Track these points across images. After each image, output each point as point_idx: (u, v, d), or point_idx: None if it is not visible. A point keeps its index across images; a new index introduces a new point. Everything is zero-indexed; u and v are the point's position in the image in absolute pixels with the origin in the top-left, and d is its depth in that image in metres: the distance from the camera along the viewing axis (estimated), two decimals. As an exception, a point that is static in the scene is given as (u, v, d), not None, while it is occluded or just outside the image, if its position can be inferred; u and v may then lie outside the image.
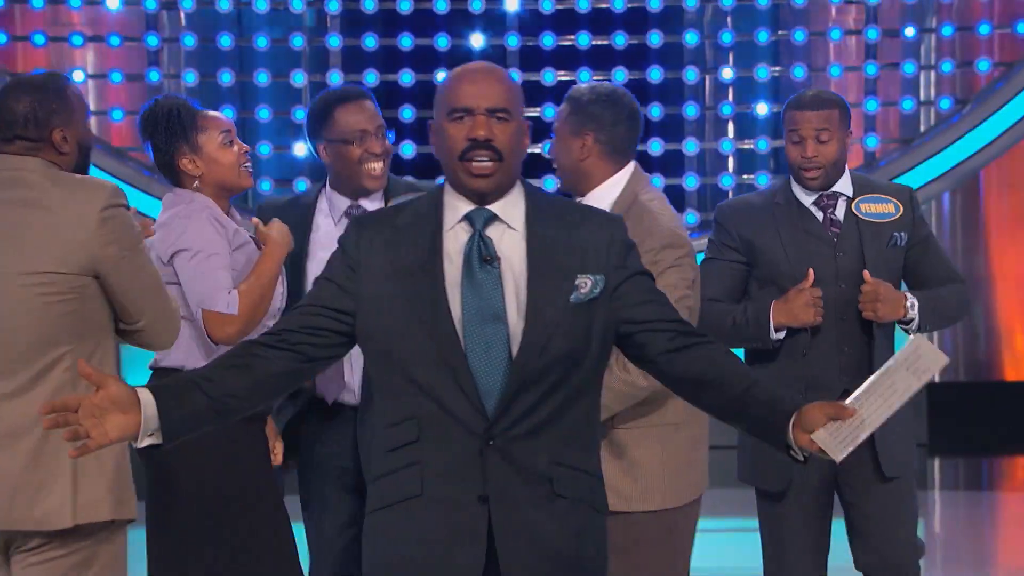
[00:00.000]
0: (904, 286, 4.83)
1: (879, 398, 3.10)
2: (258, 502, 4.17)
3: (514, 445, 3.08)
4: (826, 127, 4.76)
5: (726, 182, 9.80)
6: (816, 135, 4.76)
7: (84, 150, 3.86)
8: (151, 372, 4.30)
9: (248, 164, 4.31)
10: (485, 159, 3.14)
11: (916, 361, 3.13)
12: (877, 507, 4.75)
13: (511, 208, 3.19)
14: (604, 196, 4.20)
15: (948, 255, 4.97)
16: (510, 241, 3.16)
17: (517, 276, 3.12)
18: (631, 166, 4.24)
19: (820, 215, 4.80)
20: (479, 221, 3.16)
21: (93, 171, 10.65)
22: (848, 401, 3.09)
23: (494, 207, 3.18)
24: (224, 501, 4.14)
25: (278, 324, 3.22)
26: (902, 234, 4.78)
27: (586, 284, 3.14)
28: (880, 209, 4.79)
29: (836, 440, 3.07)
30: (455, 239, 3.16)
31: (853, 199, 4.81)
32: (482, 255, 3.13)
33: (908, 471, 4.78)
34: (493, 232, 3.16)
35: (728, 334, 4.63)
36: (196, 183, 4.28)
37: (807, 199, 4.82)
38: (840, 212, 4.80)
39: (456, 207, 3.18)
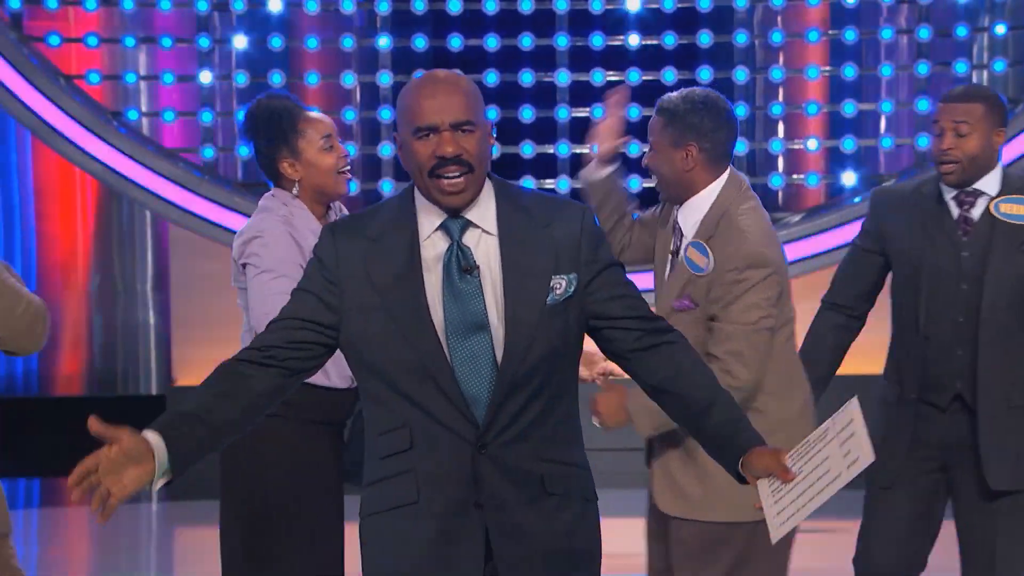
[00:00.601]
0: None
1: (813, 473, 3.11)
2: (318, 505, 4.19)
3: (505, 450, 3.12)
4: (966, 120, 4.63)
5: (775, 182, 9.77)
6: (955, 128, 4.63)
7: None
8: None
9: (347, 169, 4.30)
10: (456, 175, 3.14)
11: (848, 439, 3.08)
12: (982, 520, 4.61)
13: (483, 211, 3.19)
14: (699, 206, 4.18)
15: None
16: (486, 246, 3.17)
17: (495, 283, 3.14)
18: (727, 172, 4.22)
19: (956, 211, 4.68)
20: (455, 230, 3.17)
21: (145, 172, 10.69)
22: (787, 458, 3.12)
23: (468, 214, 3.18)
24: (287, 502, 4.17)
25: (261, 339, 3.20)
26: None
27: (560, 285, 3.15)
28: (1021, 211, 4.63)
29: (776, 510, 3.12)
30: (432, 248, 3.17)
31: (995, 198, 4.65)
32: (461, 265, 3.14)
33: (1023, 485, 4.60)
34: (469, 239, 3.17)
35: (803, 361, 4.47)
36: (295, 187, 4.28)
37: (948, 194, 4.70)
38: (978, 211, 4.65)
39: (430, 217, 3.19)
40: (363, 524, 3.23)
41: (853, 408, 3.08)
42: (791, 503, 3.10)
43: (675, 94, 4.25)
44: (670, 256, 4.24)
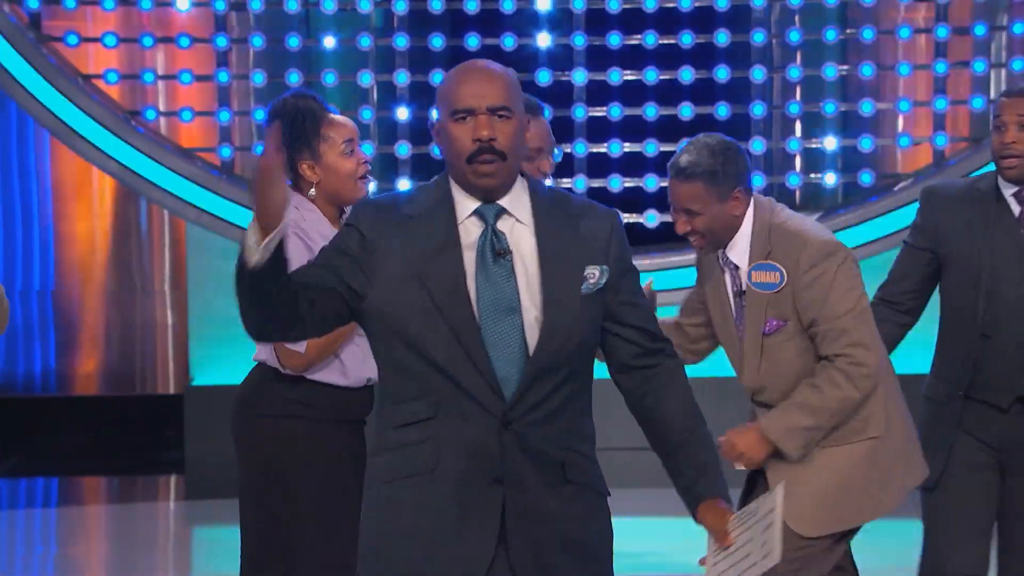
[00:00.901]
0: None
1: (744, 548, 3.17)
2: (336, 504, 4.19)
3: (529, 430, 3.16)
4: None
5: (793, 181, 9.76)
6: (1018, 121, 4.59)
7: None
8: (255, 364, 4.31)
9: (366, 175, 4.29)
10: (490, 158, 3.19)
11: (767, 528, 3.12)
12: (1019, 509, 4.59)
13: (517, 202, 3.25)
14: (743, 235, 4.20)
15: None
16: (519, 234, 3.23)
17: (528, 269, 3.20)
18: (752, 199, 4.24)
19: (1018, 208, 4.60)
20: (490, 215, 3.23)
21: (164, 171, 10.73)
22: (730, 522, 3.20)
23: (502, 202, 3.25)
24: (305, 501, 4.18)
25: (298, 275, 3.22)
26: None
27: (594, 275, 3.22)
28: None
29: (717, 569, 3.18)
30: (467, 233, 3.23)
31: None
32: (495, 249, 3.20)
33: None
34: (503, 226, 3.23)
35: None
36: (312, 189, 4.27)
37: (1008, 190, 4.62)
38: None
39: (464, 202, 3.25)
40: (371, 492, 3.25)
41: (777, 498, 3.13)
42: (729, 567, 3.18)
43: (691, 155, 4.19)
44: (732, 299, 4.22)
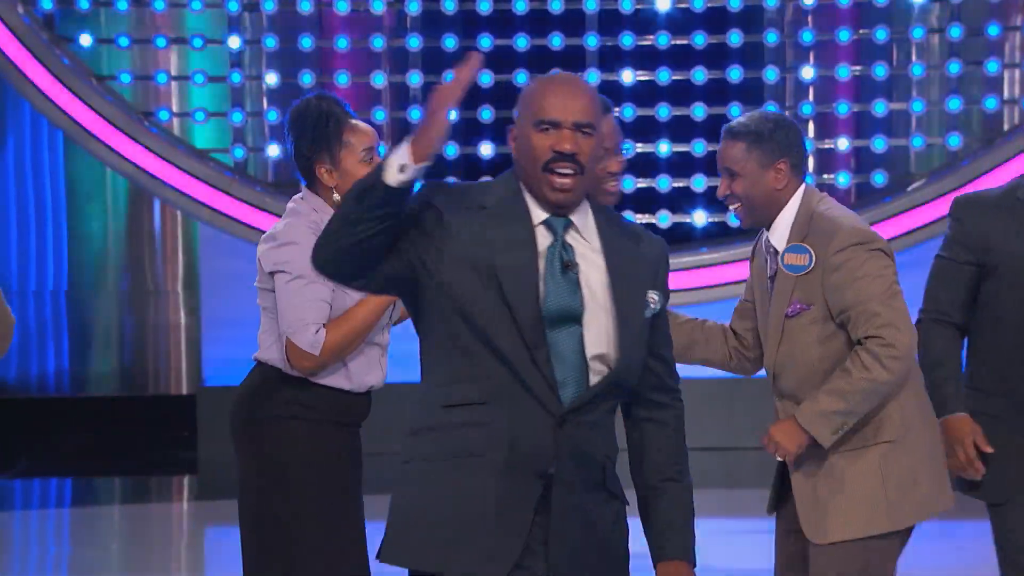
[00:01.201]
0: None
1: None
2: (335, 505, 4.20)
3: (580, 431, 3.19)
4: None
5: (806, 182, 9.73)
6: None
7: None
8: (255, 363, 4.32)
9: None
10: (568, 172, 3.20)
11: None
12: None
13: (584, 219, 3.28)
14: (786, 219, 4.17)
15: None
16: (585, 251, 3.25)
17: (593, 286, 3.22)
18: (803, 186, 4.21)
19: None
20: (559, 227, 3.24)
21: (176, 172, 10.73)
22: None
23: (571, 216, 3.26)
24: (303, 502, 4.18)
25: None
26: None
27: (654, 300, 3.28)
28: None
29: None
30: (538, 240, 3.25)
31: None
32: (563, 260, 3.21)
33: None
34: (570, 239, 3.25)
35: (928, 379, 4.33)
36: (333, 193, 4.26)
37: None
38: None
39: (535, 210, 3.26)
40: (408, 467, 3.24)
41: None
42: None
43: (744, 118, 4.20)
44: (769, 283, 4.18)
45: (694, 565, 3.33)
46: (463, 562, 3.16)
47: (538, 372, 3.15)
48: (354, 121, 4.27)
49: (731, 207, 4.21)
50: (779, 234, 4.17)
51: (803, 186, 4.20)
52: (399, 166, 3.09)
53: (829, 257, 4.05)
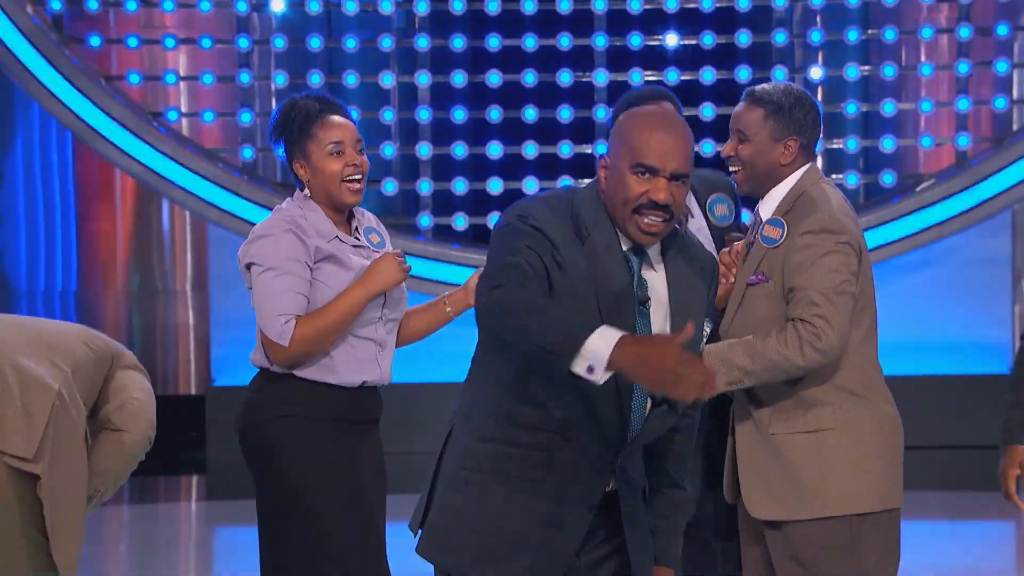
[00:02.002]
0: None
1: None
2: (339, 504, 4.19)
3: (629, 460, 3.32)
4: None
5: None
6: None
7: None
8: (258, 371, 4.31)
9: (353, 178, 4.23)
10: (659, 219, 3.23)
11: None
12: None
13: (653, 248, 3.33)
14: (780, 192, 4.17)
15: None
16: (653, 280, 3.30)
17: (658, 318, 3.29)
18: (809, 166, 4.19)
19: None
20: (635, 263, 3.28)
21: (185, 172, 10.73)
22: None
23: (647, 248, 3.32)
24: (304, 502, 4.17)
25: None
26: None
27: (706, 332, 3.39)
28: None
29: None
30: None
31: None
32: (638, 297, 3.26)
33: None
34: (644, 272, 3.30)
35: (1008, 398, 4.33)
36: (305, 189, 4.27)
37: None
38: None
39: (621, 239, 3.30)
40: (467, 474, 3.28)
41: None
42: None
43: (769, 87, 4.20)
44: (746, 248, 4.17)
45: (679, 571, 3.50)
46: None
47: (616, 405, 3.20)
48: (328, 116, 4.26)
49: (731, 169, 4.21)
50: (768, 206, 4.16)
51: (808, 165, 4.18)
52: (588, 367, 3.01)
53: (797, 236, 4.04)
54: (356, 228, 4.27)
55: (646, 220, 3.21)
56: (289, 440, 4.17)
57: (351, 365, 4.19)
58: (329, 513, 4.16)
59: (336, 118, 4.24)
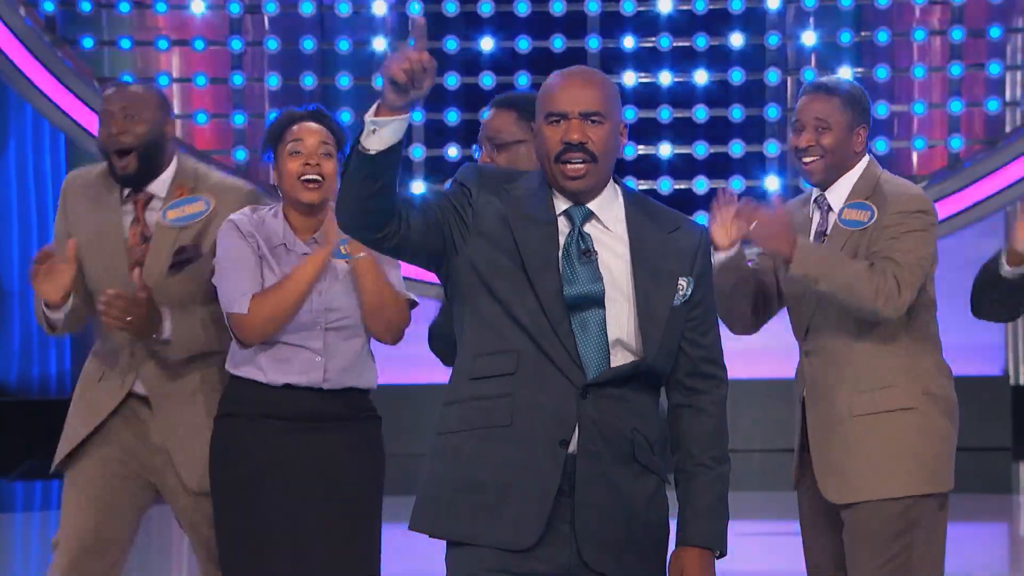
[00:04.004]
0: None
1: None
2: (274, 502, 4.25)
3: (605, 403, 3.24)
4: None
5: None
6: None
7: None
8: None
9: (309, 178, 4.29)
10: (578, 161, 3.26)
11: None
12: None
13: (607, 207, 3.32)
14: (848, 181, 4.24)
15: None
16: (608, 240, 3.29)
17: (616, 275, 3.26)
18: (868, 156, 4.29)
19: None
20: (577, 217, 3.29)
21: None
22: None
23: (591, 205, 3.31)
24: (237, 500, 4.28)
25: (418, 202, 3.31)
26: None
27: (683, 287, 3.29)
28: None
29: None
30: (559, 229, 3.30)
31: None
32: (580, 248, 3.26)
33: None
34: (590, 229, 3.29)
35: (977, 282, 4.22)
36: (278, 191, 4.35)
37: None
38: None
39: (556, 202, 3.32)
40: (441, 440, 3.30)
41: None
42: None
43: (830, 79, 4.30)
44: (818, 239, 4.21)
45: (720, 552, 3.32)
46: (489, 532, 3.21)
47: (560, 345, 3.20)
48: (302, 123, 4.33)
49: (807, 160, 4.24)
50: (838, 193, 4.23)
51: (868, 156, 4.28)
52: (371, 129, 3.16)
53: (888, 215, 4.11)
54: (315, 239, 4.31)
55: (568, 166, 3.25)
56: (220, 439, 4.29)
57: (275, 364, 4.26)
58: (221, 507, 4.28)
59: (307, 123, 4.31)
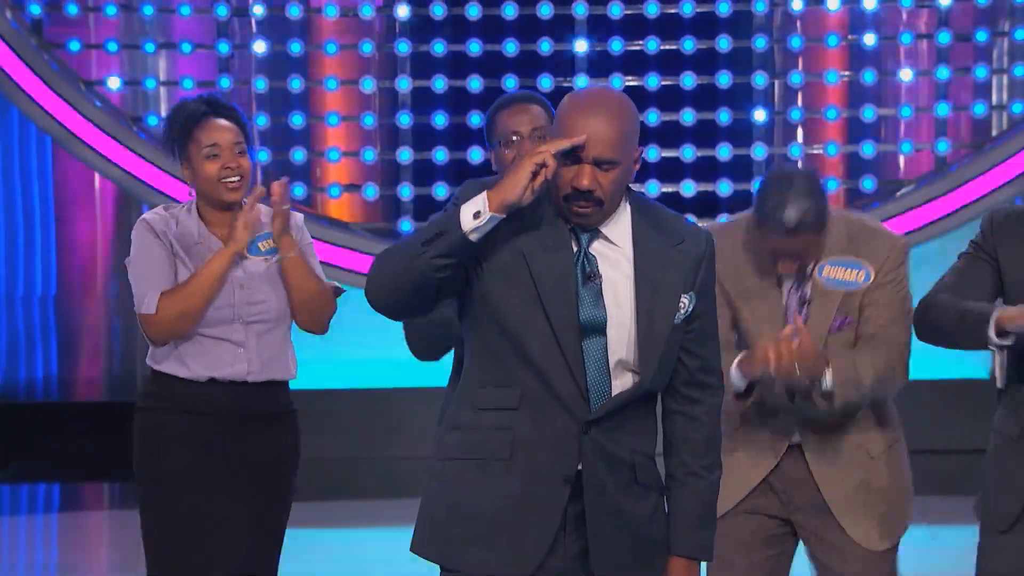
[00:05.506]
0: None
1: None
2: (196, 495, 4.26)
3: (606, 436, 3.26)
4: None
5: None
6: None
7: None
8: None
9: (231, 179, 4.30)
10: (586, 205, 3.23)
11: None
12: None
13: (614, 223, 3.30)
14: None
15: None
16: (613, 256, 3.28)
17: (619, 293, 3.26)
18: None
19: None
20: (584, 237, 3.28)
21: (166, 178, 10.67)
22: None
23: (600, 227, 3.29)
24: (158, 493, 4.35)
25: None
26: None
27: (684, 304, 3.29)
28: None
29: None
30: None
31: None
32: (585, 271, 3.25)
33: None
34: (597, 247, 3.28)
35: (951, 320, 3.98)
36: (191, 193, 4.39)
37: None
38: None
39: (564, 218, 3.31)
40: (437, 465, 3.32)
41: None
42: None
43: (796, 211, 3.87)
44: (797, 305, 3.98)
45: (708, 559, 3.37)
46: (486, 562, 3.23)
47: (571, 380, 3.21)
48: (211, 119, 4.33)
49: (784, 270, 3.97)
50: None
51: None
52: (474, 212, 3.13)
53: (884, 273, 4.00)
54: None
55: (576, 207, 3.23)
56: (142, 432, 4.38)
57: (197, 359, 4.30)
58: (146, 500, 4.36)
59: (218, 121, 4.32)
